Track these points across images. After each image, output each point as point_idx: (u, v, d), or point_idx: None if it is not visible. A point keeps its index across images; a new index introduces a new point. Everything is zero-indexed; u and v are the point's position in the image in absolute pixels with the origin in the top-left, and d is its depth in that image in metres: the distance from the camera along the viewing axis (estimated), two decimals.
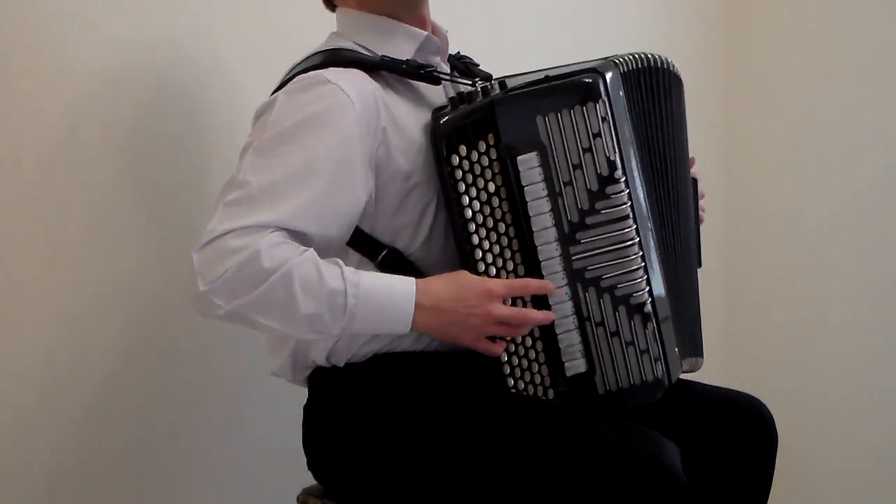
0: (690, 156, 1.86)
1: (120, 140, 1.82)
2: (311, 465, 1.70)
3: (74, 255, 1.78)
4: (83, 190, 1.77)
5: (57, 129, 1.74)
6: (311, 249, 1.50)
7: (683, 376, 1.75)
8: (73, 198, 1.76)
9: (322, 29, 1.74)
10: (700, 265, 1.85)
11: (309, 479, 1.72)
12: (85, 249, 1.79)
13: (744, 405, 1.76)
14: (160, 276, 1.88)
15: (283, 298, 1.46)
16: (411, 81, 1.66)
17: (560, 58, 1.83)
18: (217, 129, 1.95)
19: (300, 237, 1.50)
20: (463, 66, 1.81)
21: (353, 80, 1.56)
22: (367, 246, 1.61)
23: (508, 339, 1.60)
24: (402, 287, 1.53)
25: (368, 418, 1.61)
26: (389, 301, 1.52)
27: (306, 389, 1.71)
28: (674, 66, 1.74)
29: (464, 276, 1.57)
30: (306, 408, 1.70)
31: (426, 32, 1.69)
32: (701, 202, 1.89)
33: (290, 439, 1.75)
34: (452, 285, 1.55)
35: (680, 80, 1.77)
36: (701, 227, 1.88)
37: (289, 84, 1.57)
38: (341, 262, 1.51)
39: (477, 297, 1.53)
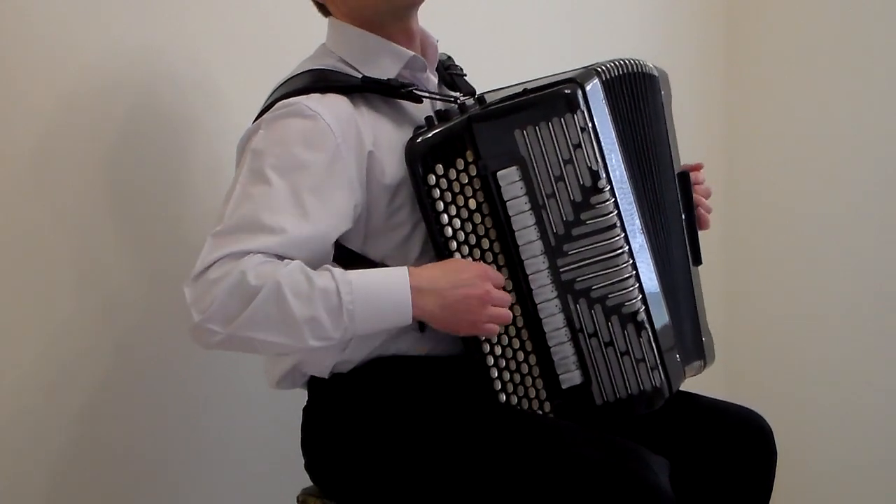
0: (699, 162, 1.85)
1: (102, 146, 1.84)
2: (309, 467, 1.71)
3: (71, 254, 1.80)
4: (67, 193, 1.80)
5: (44, 128, 1.77)
6: (298, 260, 1.51)
7: (683, 387, 1.73)
8: (58, 201, 1.79)
9: (302, 35, 1.75)
10: (700, 262, 1.84)
11: (309, 480, 1.74)
12: (82, 249, 1.81)
13: (743, 418, 1.74)
14: (153, 277, 1.90)
15: (276, 309, 1.46)
16: (395, 100, 1.67)
17: (560, 59, 1.83)
18: (197, 133, 1.97)
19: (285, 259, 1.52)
20: (449, 77, 1.80)
21: (332, 108, 1.57)
22: (358, 265, 1.61)
23: (496, 340, 1.61)
24: (395, 275, 1.54)
25: (366, 422, 1.62)
26: (385, 291, 1.52)
27: (306, 392, 1.72)
28: (646, 66, 1.73)
29: (456, 259, 1.58)
30: (305, 410, 1.72)
31: (412, 53, 1.68)
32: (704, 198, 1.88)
33: (290, 440, 1.75)
34: (445, 267, 1.56)
35: (654, 77, 1.75)
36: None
37: (270, 111, 1.58)
38: (330, 266, 1.52)
39: (473, 277, 1.54)
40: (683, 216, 1.79)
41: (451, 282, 1.54)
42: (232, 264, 1.47)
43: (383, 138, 1.62)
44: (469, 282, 1.54)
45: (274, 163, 1.53)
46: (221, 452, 2.02)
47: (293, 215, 1.51)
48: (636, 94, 1.70)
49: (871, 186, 2.89)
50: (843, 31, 2.93)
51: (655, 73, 1.75)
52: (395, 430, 1.60)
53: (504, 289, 1.58)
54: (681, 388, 1.72)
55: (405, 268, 1.55)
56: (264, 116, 1.58)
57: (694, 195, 1.82)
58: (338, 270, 1.51)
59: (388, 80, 1.65)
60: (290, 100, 1.57)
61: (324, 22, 1.74)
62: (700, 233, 1.87)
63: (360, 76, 1.65)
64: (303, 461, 1.72)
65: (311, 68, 1.67)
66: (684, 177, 1.81)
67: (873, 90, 2.88)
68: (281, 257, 1.50)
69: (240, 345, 1.51)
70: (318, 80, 1.63)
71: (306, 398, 1.72)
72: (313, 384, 1.69)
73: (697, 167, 1.87)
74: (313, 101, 1.57)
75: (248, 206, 1.51)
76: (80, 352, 1.82)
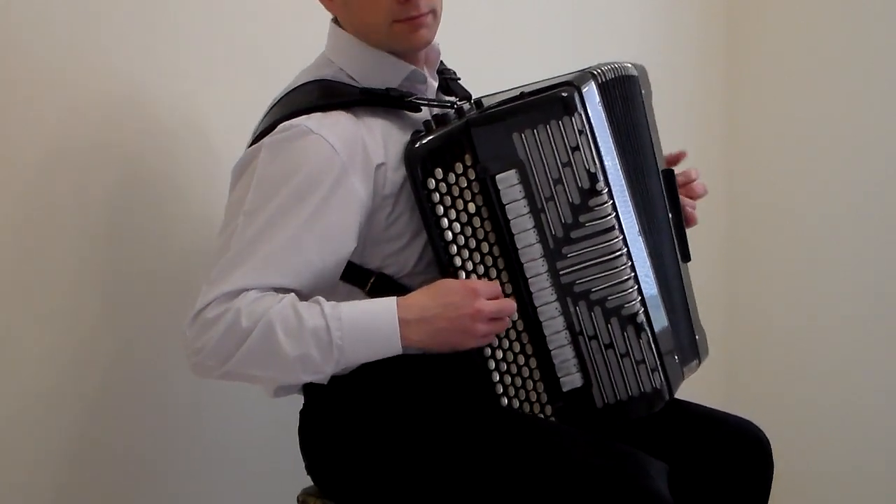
0: (683, 150, 1.86)
1: (102, 147, 1.85)
2: (310, 469, 1.72)
3: (71, 255, 1.81)
4: (68, 193, 1.80)
5: (46, 131, 1.77)
6: (291, 294, 1.52)
7: (681, 396, 1.73)
8: (58, 202, 1.79)
9: (291, 57, 1.75)
10: (689, 259, 1.84)
11: (309, 480, 1.74)
12: (82, 249, 1.82)
13: (741, 429, 1.74)
14: (153, 277, 1.91)
15: (268, 349, 1.49)
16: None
17: (560, 59, 1.83)
18: (197, 133, 1.98)
19: (282, 291, 1.53)
20: (444, 81, 1.80)
21: (335, 128, 1.56)
22: (355, 275, 1.62)
23: (496, 344, 1.61)
24: (383, 308, 1.54)
25: (365, 423, 1.63)
26: (373, 325, 1.53)
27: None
28: (627, 68, 1.73)
29: (443, 281, 1.57)
30: (302, 412, 1.72)
31: (412, 67, 1.67)
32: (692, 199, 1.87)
33: (289, 440, 1.75)
34: (434, 292, 1.56)
35: (636, 78, 1.75)
36: (698, 228, 1.87)
37: (271, 135, 1.56)
38: (321, 299, 1.53)
39: (462, 298, 1.54)
40: (670, 214, 1.80)
41: (439, 308, 1.54)
42: (228, 304, 1.50)
43: (393, 146, 1.61)
44: (458, 304, 1.54)
45: (277, 192, 1.53)
46: (221, 452, 2.03)
47: (295, 247, 1.52)
48: (627, 97, 1.70)
49: (871, 186, 2.89)
50: (843, 31, 2.93)
51: (636, 74, 1.76)
52: (395, 432, 1.60)
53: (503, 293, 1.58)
54: (681, 396, 1.72)
55: (394, 300, 1.55)
56: (264, 141, 1.57)
57: (679, 195, 1.83)
58: (328, 305, 1.51)
59: (387, 89, 1.64)
60: (292, 122, 1.56)
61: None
62: (700, 233, 1.88)
63: (358, 87, 1.64)
64: (303, 461, 1.72)
65: (310, 80, 1.66)
66: (668, 174, 1.81)
67: (873, 90, 2.88)
68: (281, 289, 1.52)
69: (238, 378, 1.55)
70: (318, 98, 1.61)
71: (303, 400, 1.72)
72: (309, 385, 1.68)
73: (680, 156, 1.86)
74: (315, 121, 1.55)
75: (248, 238, 1.52)
76: (80, 352, 1.82)
